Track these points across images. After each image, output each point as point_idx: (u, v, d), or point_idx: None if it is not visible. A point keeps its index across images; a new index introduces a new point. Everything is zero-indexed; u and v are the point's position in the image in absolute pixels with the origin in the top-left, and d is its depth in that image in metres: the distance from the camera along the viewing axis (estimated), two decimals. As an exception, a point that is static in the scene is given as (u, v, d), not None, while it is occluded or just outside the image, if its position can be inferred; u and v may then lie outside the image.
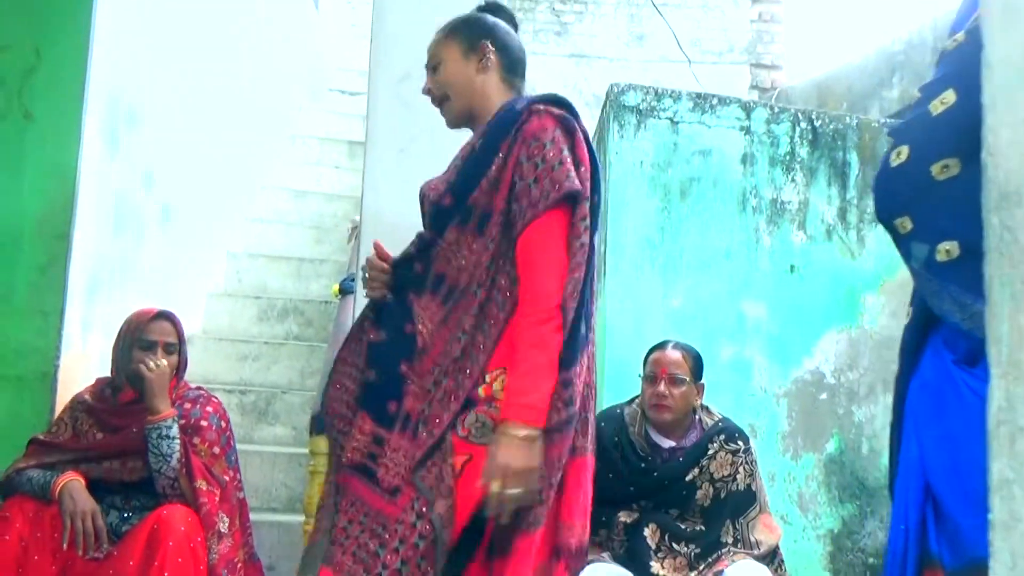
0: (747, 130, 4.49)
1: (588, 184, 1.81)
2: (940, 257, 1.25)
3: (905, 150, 1.31)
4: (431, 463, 1.71)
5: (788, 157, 4.52)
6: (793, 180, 4.50)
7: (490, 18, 2.01)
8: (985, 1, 1.03)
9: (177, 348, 2.61)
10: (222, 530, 2.41)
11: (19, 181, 3.01)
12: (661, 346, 2.91)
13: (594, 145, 5.40)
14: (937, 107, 1.27)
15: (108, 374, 2.69)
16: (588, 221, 1.79)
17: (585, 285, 1.80)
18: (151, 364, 2.48)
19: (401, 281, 1.87)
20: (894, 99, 6.47)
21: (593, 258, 1.82)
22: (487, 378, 1.75)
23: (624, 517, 2.76)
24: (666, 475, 2.77)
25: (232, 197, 5.01)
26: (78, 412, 2.59)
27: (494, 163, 1.80)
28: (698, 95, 4.67)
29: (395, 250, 1.91)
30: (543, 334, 1.71)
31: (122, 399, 2.60)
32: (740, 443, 2.83)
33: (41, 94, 3.05)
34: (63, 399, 2.83)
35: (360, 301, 2.14)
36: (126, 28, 3.26)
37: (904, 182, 1.32)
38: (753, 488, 2.82)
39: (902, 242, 1.33)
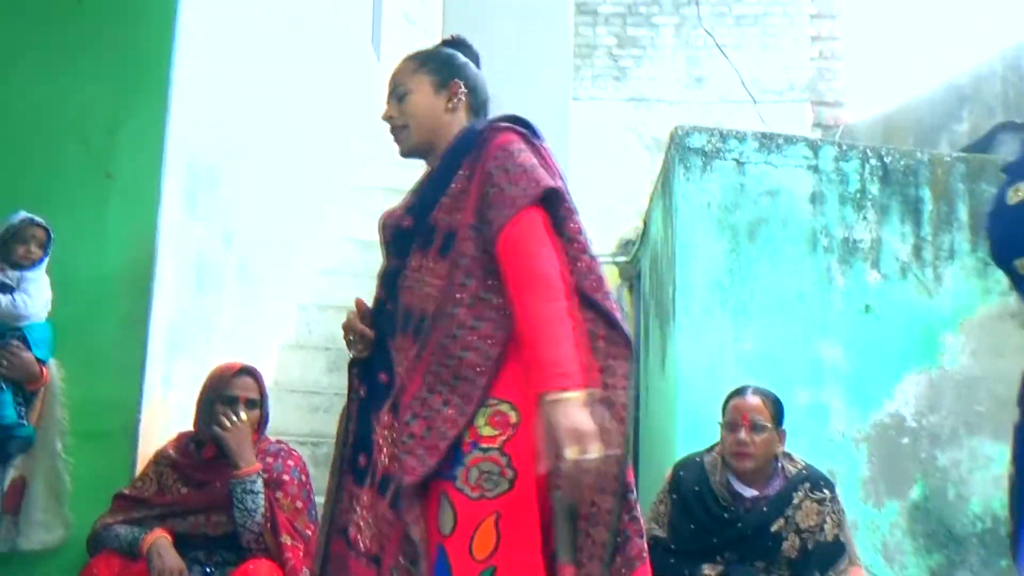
0: (815, 169, 4.47)
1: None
2: None
3: None
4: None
5: (858, 195, 4.47)
6: (865, 218, 4.44)
7: (461, 56, 1.96)
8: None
9: (259, 403, 2.64)
10: (307, 584, 2.41)
11: (101, 239, 3.07)
12: (740, 392, 2.88)
13: (659, 188, 5.46)
14: None
15: (189, 428, 2.72)
16: (584, 234, 1.77)
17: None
18: (227, 422, 2.51)
19: (379, 329, 1.80)
20: (963, 133, 6.35)
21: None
22: (474, 418, 1.63)
23: (708, 571, 2.70)
24: (750, 525, 2.71)
25: (301, 250, 5.10)
26: (163, 467, 2.62)
27: (456, 180, 1.76)
28: (764, 135, 4.66)
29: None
30: (559, 310, 1.62)
31: (206, 454, 2.62)
32: (826, 491, 2.77)
33: (122, 154, 3.11)
34: (145, 454, 2.86)
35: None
36: (203, 90, 3.35)
37: None
38: (841, 539, 2.76)
39: (1022, 283, 1.28)
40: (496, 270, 1.69)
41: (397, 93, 1.90)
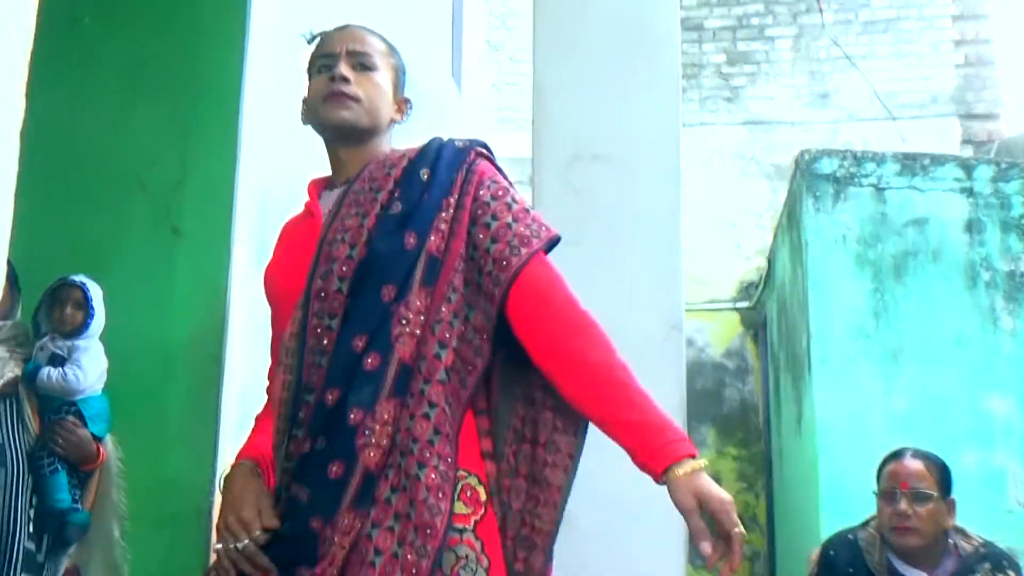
0: (969, 192, 4.45)
1: None
2: None
3: None
4: None
5: (1023, 220, 4.43)
6: (1033, 247, 4.41)
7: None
8: None
9: None
10: None
11: (168, 300, 3.13)
12: (898, 455, 2.84)
13: (784, 222, 5.29)
14: None
15: (266, 509, 2.73)
16: None
17: None
18: None
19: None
20: None
21: None
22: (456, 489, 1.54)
23: (871, 668, 2.61)
24: (920, 615, 2.67)
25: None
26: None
27: (447, 198, 1.70)
28: (905, 156, 4.66)
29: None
30: (622, 363, 1.59)
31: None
32: (1011, 573, 2.68)
33: (189, 209, 3.19)
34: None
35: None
36: (272, 137, 3.42)
37: None
38: (1033, 631, 2.62)
39: None
40: (479, 309, 1.63)
41: (363, 62, 1.84)
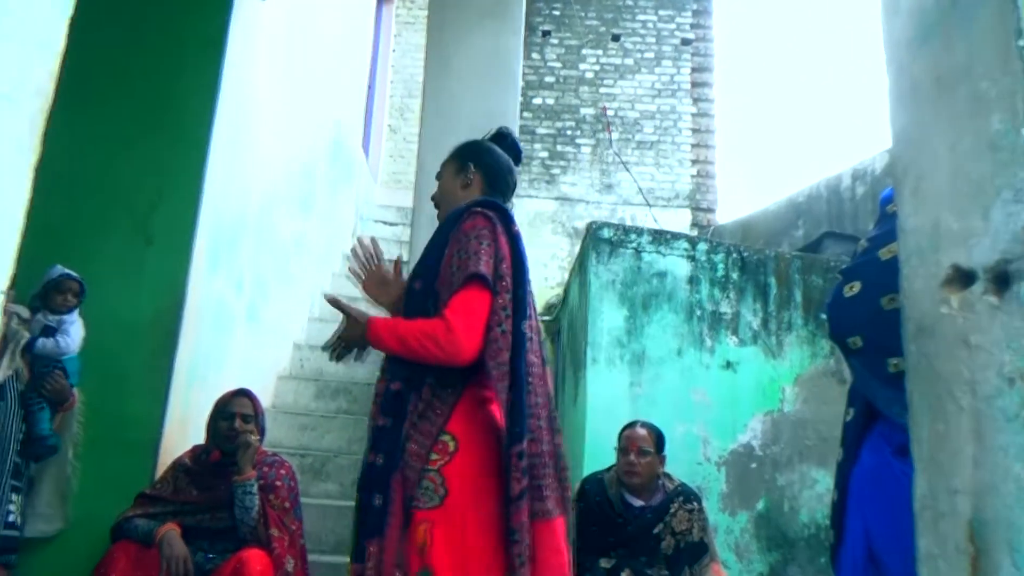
0: (692, 258, 4.57)
1: (510, 277, 1.63)
2: (891, 369, 1.23)
3: (858, 284, 1.31)
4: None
5: (723, 279, 4.58)
6: (728, 296, 4.54)
7: (485, 143, 1.87)
8: (899, 181, 1.06)
9: (254, 419, 2.54)
10: (288, 569, 2.31)
11: (137, 291, 2.96)
12: (631, 425, 2.88)
13: (576, 267, 5.42)
14: (885, 254, 1.29)
15: (202, 442, 2.63)
16: (509, 310, 1.60)
17: (519, 365, 1.57)
18: (253, 438, 2.43)
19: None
20: (799, 237, 6.57)
21: (524, 343, 1.60)
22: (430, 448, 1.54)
23: (604, 563, 2.68)
24: (637, 529, 2.71)
25: (298, 300, 5.02)
26: (179, 472, 2.52)
27: (444, 250, 1.67)
28: (655, 231, 4.75)
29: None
30: (435, 335, 1.54)
31: (211, 460, 2.53)
32: (695, 503, 2.78)
33: (160, 225, 3.04)
34: (164, 461, 2.76)
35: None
36: (229, 172, 3.31)
37: (857, 309, 1.30)
38: (705, 541, 2.75)
39: (852, 356, 1.32)
40: None
41: (437, 177, 1.86)
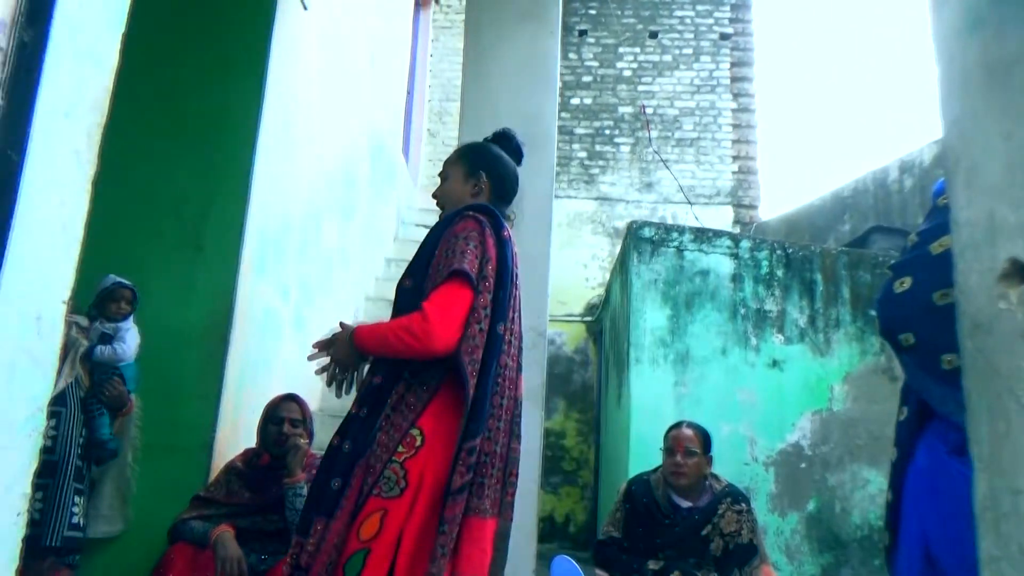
0: (736, 256, 4.54)
1: (493, 279, 1.66)
2: (945, 366, 1.20)
3: (908, 280, 1.27)
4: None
5: (768, 276, 4.53)
6: (772, 294, 4.49)
7: (494, 150, 1.89)
8: (951, 173, 1.03)
9: (302, 423, 2.59)
10: (337, 571, 2.35)
11: (189, 298, 3.03)
12: (677, 425, 2.85)
13: (618, 267, 5.41)
14: (936, 248, 1.25)
15: (253, 446, 2.69)
16: (489, 310, 1.63)
17: (491, 365, 1.60)
18: (302, 441, 2.48)
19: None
20: (846, 232, 6.44)
21: (500, 345, 1.64)
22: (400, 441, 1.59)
23: (653, 565, 2.66)
24: (685, 530, 2.68)
25: (343, 306, 5.10)
26: (231, 475, 2.57)
27: (434, 251, 1.71)
28: (697, 229, 4.73)
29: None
30: (411, 326, 1.58)
31: (261, 463, 2.59)
32: (743, 504, 2.74)
33: (210, 233, 3.11)
34: (217, 464, 2.82)
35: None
36: (274, 180, 3.38)
37: (908, 305, 1.27)
38: (755, 542, 2.72)
39: (904, 353, 1.28)
40: None
41: (441, 176, 1.88)
